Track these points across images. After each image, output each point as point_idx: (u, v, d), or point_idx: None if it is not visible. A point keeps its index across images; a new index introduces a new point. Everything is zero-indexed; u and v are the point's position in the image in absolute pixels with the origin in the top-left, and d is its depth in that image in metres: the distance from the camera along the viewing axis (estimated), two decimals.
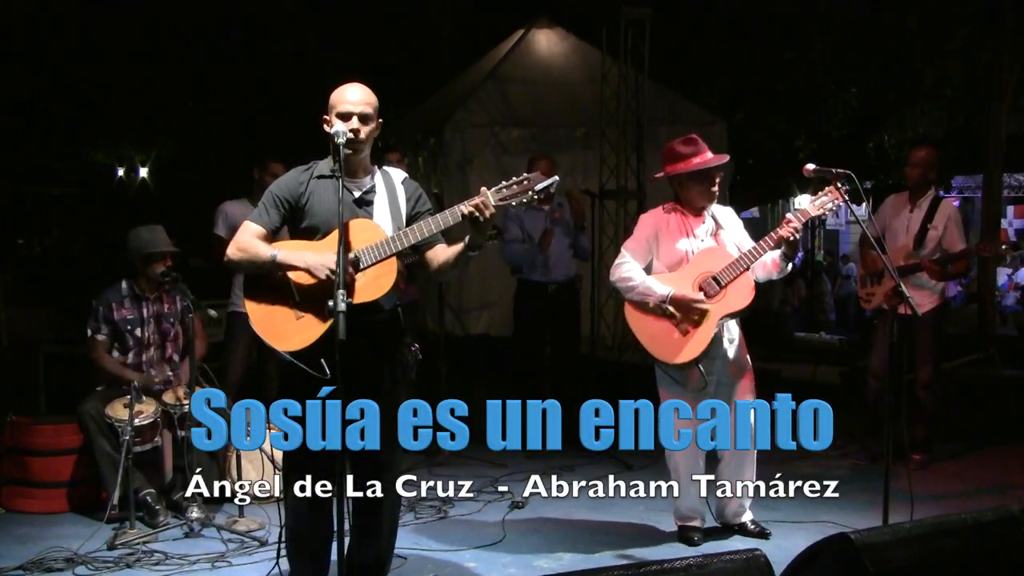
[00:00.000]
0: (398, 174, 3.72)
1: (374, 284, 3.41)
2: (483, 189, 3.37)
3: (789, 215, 4.44)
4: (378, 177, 3.64)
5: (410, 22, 15.70)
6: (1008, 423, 7.73)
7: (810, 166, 4.37)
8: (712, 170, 4.58)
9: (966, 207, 21.72)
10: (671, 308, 4.45)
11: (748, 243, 4.62)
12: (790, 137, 14.51)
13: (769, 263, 4.51)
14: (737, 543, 4.68)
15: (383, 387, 3.61)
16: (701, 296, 4.45)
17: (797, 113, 14.72)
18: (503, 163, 9.22)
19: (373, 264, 3.41)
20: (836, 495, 5.51)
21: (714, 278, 4.47)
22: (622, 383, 7.45)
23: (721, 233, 4.63)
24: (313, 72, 13.51)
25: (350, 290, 3.31)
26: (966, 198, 21.17)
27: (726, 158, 4.68)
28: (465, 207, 3.36)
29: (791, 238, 4.37)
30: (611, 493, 5.64)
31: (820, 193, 4.44)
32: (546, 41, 11.63)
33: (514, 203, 3.36)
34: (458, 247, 3.49)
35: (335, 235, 3.30)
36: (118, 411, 4.90)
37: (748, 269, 4.48)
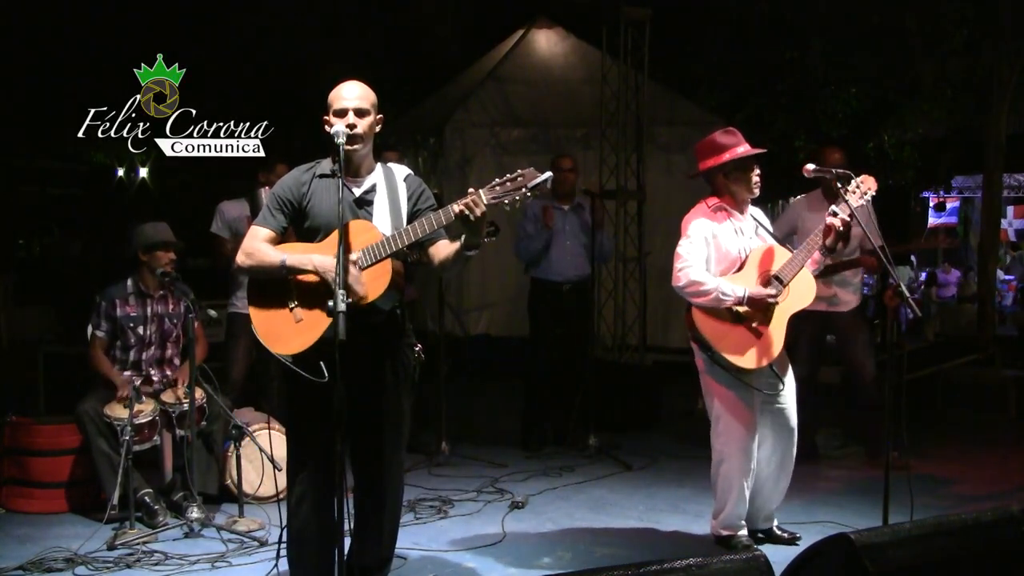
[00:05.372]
0: (401, 171, 3.70)
1: (371, 285, 3.40)
2: (472, 189, 3.34)
3: (834, 207, 4.31)
4: (380, 175, 3.63)
5: (410, 22, 15.70)
6: (1008, 423, 7.74)
7: (810, 166, 4.36)
8: (754, 160, 4.48)
9: (966, 207, 21.74)
10: (746, 309, 4.33)
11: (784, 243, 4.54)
12: (790, 137, 14.50)
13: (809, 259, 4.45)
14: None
15: (385, 387, 3.60)
16: (773, 292, 4.34)
17: (797, 113, 14.72)
18: (503, 163, 9.21)
19: (370, 265, 3.40)
20: (836, 495, 5.55)
21: (776, 277, 4.38)
22: (622, 383, 7.48)
23: (760, 231, 4.56)
24: (313, 72, 13.51)
25: (350, 291, 3.30)
26: (966, 198, 21.17)
27: (764, 150, 4.55)
28: (456, 206, 3.33)
29: (841, 228, 4.27)
30: (611, 493, 5.67)
31: (853, 184, 4.35)
32: (546, 41, 11.63)
33: (507, 202, 3.31)
34: (455, 246, 3.46)
35: (335, 236, 3.30)
36: (117, 410, 4.89)
37: (804, 265, 4.40)
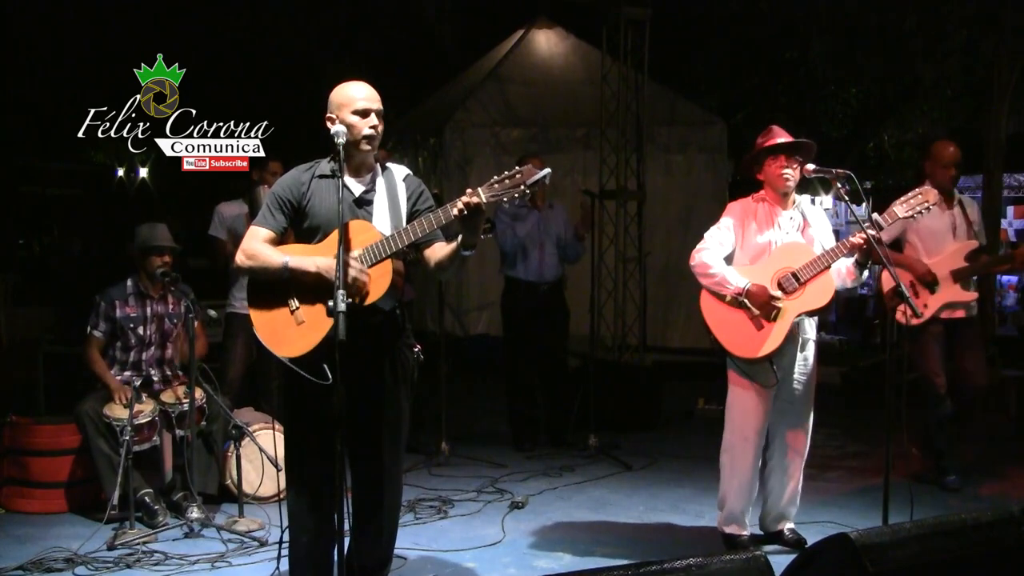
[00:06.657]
0: (400, 171, 3.70)
1: (372, 286, 3.40)
2: (470, 190, 3.33)
3: (876, 216, 4.28)
4: (379, 175, 3.62)
5: (410, 22, 15.70)
6: (1008, 423, 7.74)
7: (810, 166, 4.36)
8: (784, 150, 4.47)
9: None
10: (747, 302, 4.35)
11: (833, 244, 4.51)
12: None
13: (844, 271, 4.40)
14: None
15: (384, 387, 3.60)
16: (779, 293, 4.35)
17: (797, 113, 14.72)
18: (503, 163, 9.20)
19: (371, 266, 3.40)
20: (836, 495, 5.55)
21: (793, 274, 4.38)
22: (622, 383, 7.48)
23: (808, 230, 4.54)
24: (313, 72, 13.52)
25: (350, 291, 3.29)
26: None
27: (808, 144, 4.51)
28: (456, 205, 3.33)
29: (872, 241, 4.19)
30: (611, 493, 5.67)
31: (910, 195, 4.32)
32: (546, 41, 11.64)
33: (506, 199, 3.31)
34: (452, 246, 3.46)
35: (335, 236, 3.29)
36: (116, 411, 4.90)
37: (828, 268, 4.37)
